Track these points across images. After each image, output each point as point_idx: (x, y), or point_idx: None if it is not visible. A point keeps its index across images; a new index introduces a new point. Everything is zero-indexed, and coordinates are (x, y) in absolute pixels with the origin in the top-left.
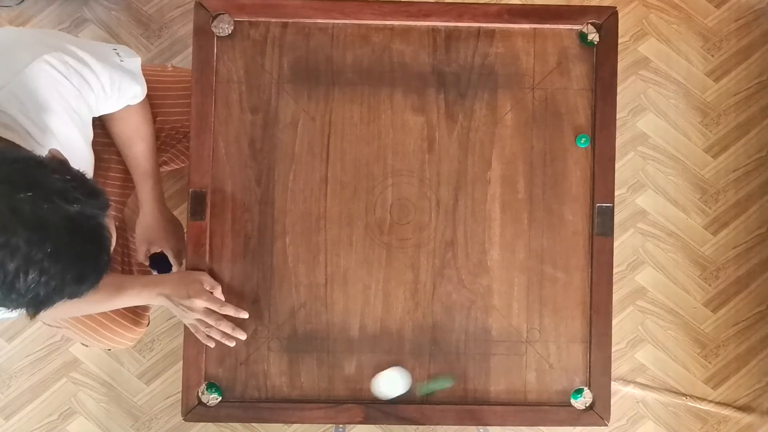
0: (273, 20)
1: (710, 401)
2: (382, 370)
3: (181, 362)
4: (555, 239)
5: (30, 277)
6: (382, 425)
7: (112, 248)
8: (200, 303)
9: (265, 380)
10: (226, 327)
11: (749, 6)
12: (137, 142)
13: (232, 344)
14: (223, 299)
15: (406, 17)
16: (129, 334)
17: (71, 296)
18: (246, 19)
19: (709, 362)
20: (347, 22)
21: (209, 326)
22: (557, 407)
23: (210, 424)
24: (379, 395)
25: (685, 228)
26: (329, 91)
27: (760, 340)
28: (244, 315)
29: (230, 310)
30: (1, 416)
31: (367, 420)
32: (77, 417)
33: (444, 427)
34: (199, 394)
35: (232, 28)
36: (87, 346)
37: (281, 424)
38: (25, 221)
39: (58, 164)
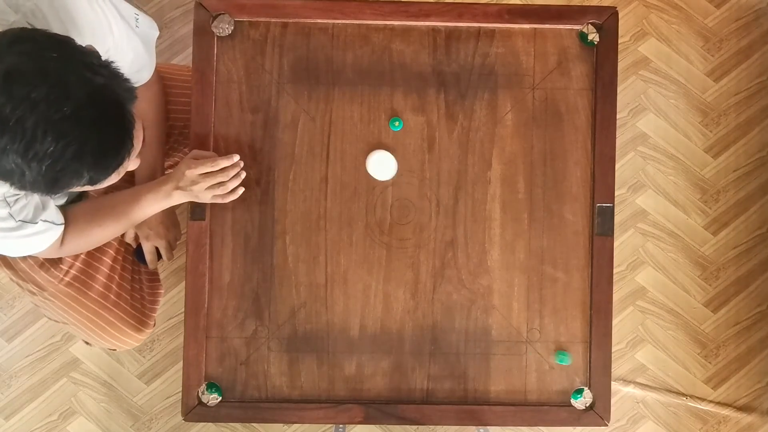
0: (273, 20)
1: (710, 401)
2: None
3: (181, 362)
4: (555, 239)
5: (48, 138)
6: (382, 425)
7: (138, 142)
8: (192, 172)
9: (265, 380)
10: (234, 180)
11: (749, 6)
12: (152, 121)
13: (243, 175)
14: (209, 154)
15: (406, 17)
16: (136, 335)
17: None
18: (246, 19)
19: (709, 362)
20: (347, 22)
21: (223, 184)
22: (557, 407)
23: (210, 424)
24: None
25: (685, 228)
26: (329, 91)
27: (760, 340)
28: (236, 157)
29: (222, 161)
30: (1, 416)
31: (367, 420)
32: (77, 417)
33: (444, 427)
34: (199, 394)
35: (232, 28)
36: (89, 344)
37: (281, 424)
38: (47, 77)
39: (89, 48)
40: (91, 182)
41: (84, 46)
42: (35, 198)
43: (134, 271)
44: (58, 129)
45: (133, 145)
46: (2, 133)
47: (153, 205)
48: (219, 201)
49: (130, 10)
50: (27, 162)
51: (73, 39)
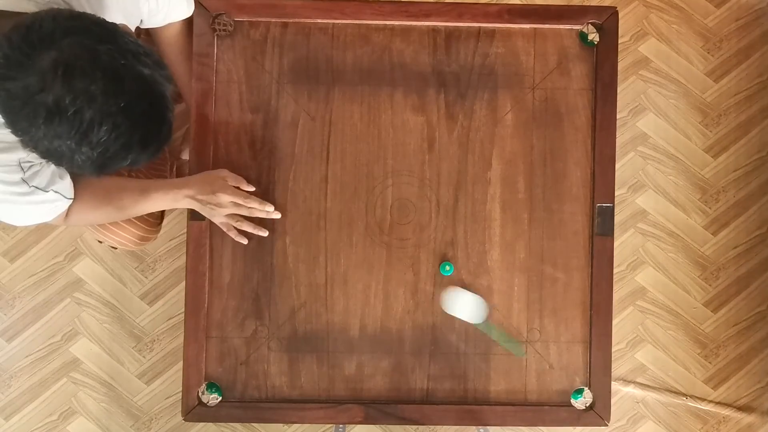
0: (273, 20)
1: (710, 401)
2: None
3: (181, 362)
4: (555, 239)
5: (103, 129)
6: (382, 425)
7: (172, 131)
8: (226, 197)
9: (265, 380)
10: (249, 224)
11: (749, 6)
12: (183, 61)
13: (265, 234)
14: (251, 190)
15: (406, 17)
16: (139, 233)
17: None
18: (246, 19)
19: (709, 362)
20: (347, 22)
21: (240, 220)
22: (557, 407)
23: (210, 424)
24: (448, 309)
25: (685, 228)
26: (329, 91)
27: (760, 340)
28: (270, 207)
29: (255, 203)
30: (1, 416)
31: (367, 420)
32: (77, 417)
33: (444, 427)
34: (199, 394)
35: (232, 28)
36: (101, 242)
37: (281, 424)
38: (104, 70)
39: (128, 32)
40: (132, 164)
41: (124, 27)
42: (51, 167)
43: None
44: (113, 121)
45: (171, 133)
46: (59, 121)
47: (158, 202)
48: (224, 228)
49: None
50: (80, 148)
51: (117, 26)
